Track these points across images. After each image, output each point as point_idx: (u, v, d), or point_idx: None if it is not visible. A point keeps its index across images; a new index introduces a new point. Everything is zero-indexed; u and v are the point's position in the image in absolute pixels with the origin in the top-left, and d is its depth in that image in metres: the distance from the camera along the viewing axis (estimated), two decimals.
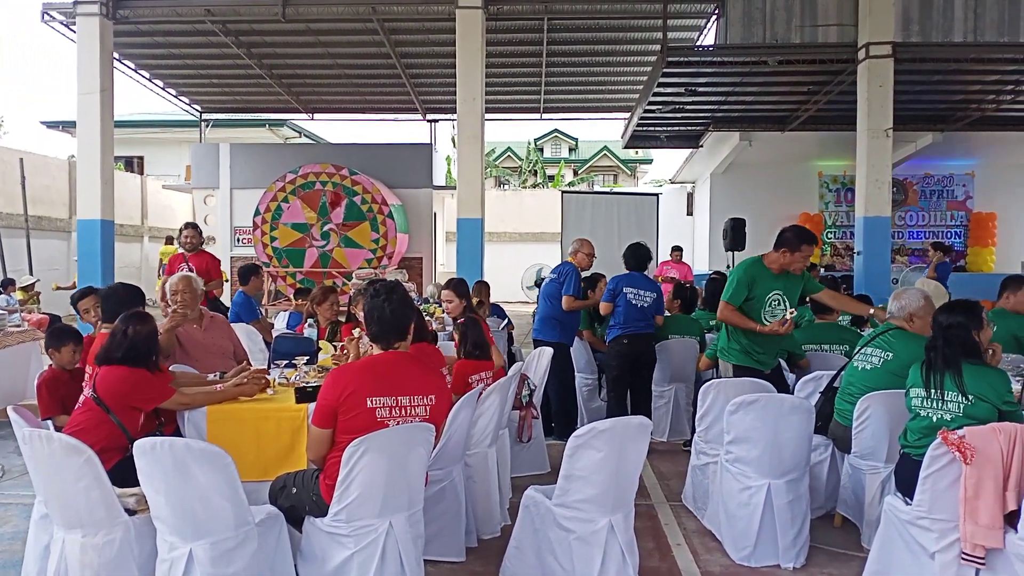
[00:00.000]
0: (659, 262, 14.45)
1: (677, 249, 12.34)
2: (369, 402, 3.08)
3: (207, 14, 12.23)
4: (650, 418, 5.87)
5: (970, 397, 3.44)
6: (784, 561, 3.94)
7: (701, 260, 20.09)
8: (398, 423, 3.10)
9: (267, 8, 11.86)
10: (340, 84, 16.79)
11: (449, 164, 28.15)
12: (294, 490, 3.28)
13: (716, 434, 4.49)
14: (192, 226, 8.35)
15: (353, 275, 13.60)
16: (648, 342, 6.40)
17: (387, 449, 3.01)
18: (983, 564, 3.18)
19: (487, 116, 13.09)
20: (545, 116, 19.52)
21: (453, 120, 14.73)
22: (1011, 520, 3.17)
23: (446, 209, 21.85)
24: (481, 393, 4.16)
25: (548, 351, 5.55)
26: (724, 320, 4.96)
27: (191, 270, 7.46)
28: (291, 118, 22.01)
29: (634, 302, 6.30)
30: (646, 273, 6.58)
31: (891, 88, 11.44)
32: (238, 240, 18.08)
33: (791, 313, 4.80)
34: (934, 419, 3.54)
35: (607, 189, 34.29)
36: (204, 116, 19.56)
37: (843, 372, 4.60)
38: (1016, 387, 3.81)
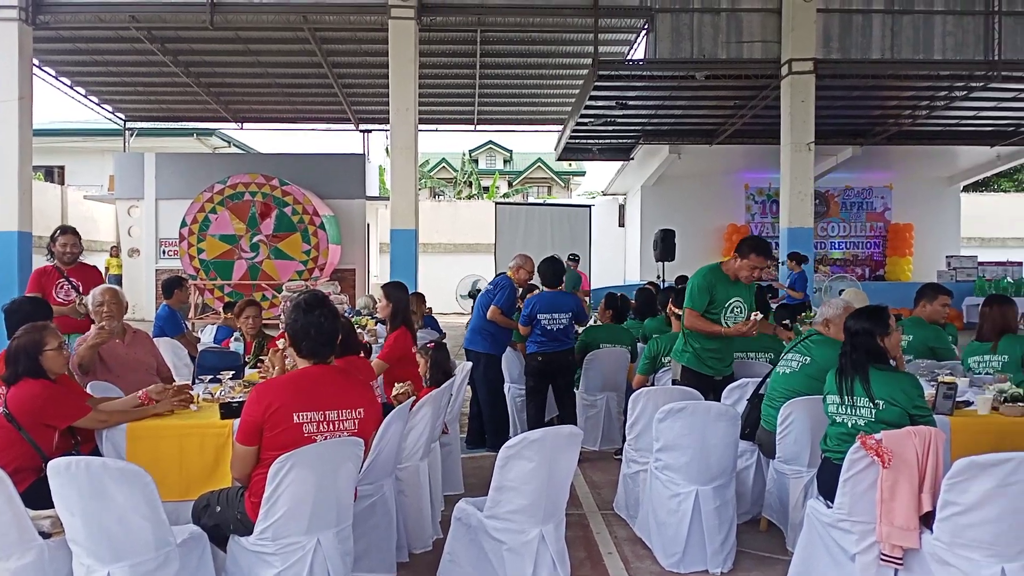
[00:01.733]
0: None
1: (573, 258, 12.48)
2: (296, 417, 3.02)
3: (132, 21, 11.92)
4: (576, 423, 5.92)
5: (879, 402, 3.56)
6: (712, 566, 4.01)
7: (633, 271, 20.40)
8: (326, 438, 3.05)
9: (195, 16, 11.62)
10: (271, 93, 16.55)
11: (382, 175, 27.97)
12: (218, 508, 3.20)
13: (646, 442, 4.55)
14: (71, 231, 6.37)
15: (284, 287, 13.38)
16: (564, 357, 6.39)
17: (314, 465, 2.96)
18: (901, 564, 3.28)
19: (421, 127, 13.06)
20: (479, 127, 19.62)
21: (386, 130, 14.67)
22: (927, 521, 3.28)
23: (380, 220, 21.70)
24: (412, 406, 4.13)
25: (468, 366, 5.56)
26: (692, 328, 4.98)
27: (76, 290, 6.07)
28: (220, 127, 21.59)
29: (548, 327, 6.31)
30: (561, 287, 6.59)
31: (813, 103, 11.83)
32: (164, 252, 17.62)
33: (756, 314, 4.90)
34: (849, 424, 3.65)
35: (541, 201, 34.51)
36: (128, 125, 19.05)
37: (768, 379, 4.72)
38: (929, 393, 3.97)
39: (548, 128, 19.55)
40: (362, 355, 4.61)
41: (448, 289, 21.39)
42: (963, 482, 3.05)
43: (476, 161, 43.34)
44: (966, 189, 22.66)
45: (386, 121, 12.13)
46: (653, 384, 5.81)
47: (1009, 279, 16.39)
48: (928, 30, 12.23)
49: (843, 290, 10.32)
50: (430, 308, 8.92)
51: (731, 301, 4.95)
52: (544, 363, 6.37)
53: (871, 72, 12.45)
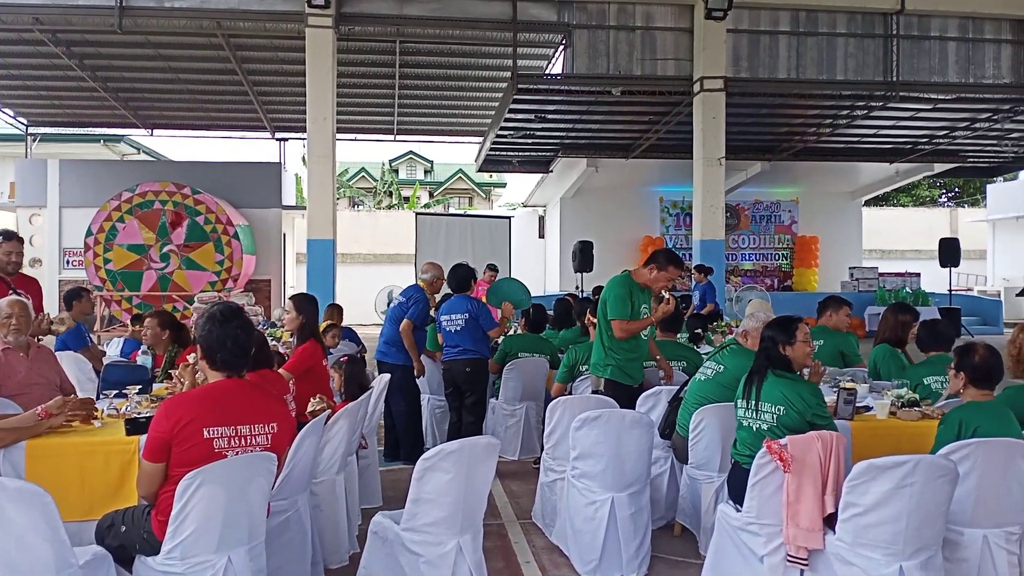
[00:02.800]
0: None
1: (492, 268, 12.59)
2: (206, 432, 2.94)
3: (35, 23, 11.43)
4: (477, 434, 5.91)
5: (780, 408, 3.70)
6: (627, 572, 4.08)
7: (553, 281, 20.59)
8: (237, 453, 2.98)
9: (102, 19, 11.23)
10: (182, 99, 16.11)
11: (299, 184, 27.51)
12: (123, 528, 3.08)
13: (563, 451, 4.59)
14: (15, 237, 5.78)
15: (196, 299, 13.01)
16: (463, 367, 6.22)
17: (225, 481, 2.89)
18: (806, 564, 3.40)
19: (339, 136, 12.94)
20: (399, 138, 19.53)
21: (303, 139, 14.47)
22: (830, 522, 3.42)
23: (296, 230, 21.32)
24: (328, 419, 4.07)
25: (386, 378, 5.51)
26: (628, 333, 4.99)
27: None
28: (129, 134, 20.85)
29: (447, 328, 6.27)
30: (469, 293, 6.57)
31: (723, 119, 12.23)
32: (68, 262, 16.89)
33: (669, 297, 5.01)
34: (754, 428, 3.78)
35: (462, 212, 34.56)
36: (31, 130, 18.22)
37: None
38: (831, 399, 4.14)
39: (469, 139, 19.61)
40: (275, 368, 4.52)
41: (368, 300, 21.15)
42: (863, 484, 3.19)
43: (396, 171, 43.11)
44: (867, 203, 23.75)
45: (303, 129, 11.97)
46: (571, 393, 5.87)
47: (907, 289, 17.24)
48: (831, 52, 12.82)
49: (751, 300, 10.67)
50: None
51: (643, 307, 5.08)
52: (447, 370, 6.34)
53: (778, 91, 12.95)
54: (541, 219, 23.58)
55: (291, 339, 7.19)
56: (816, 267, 20.20)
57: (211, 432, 2.95)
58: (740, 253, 20.27)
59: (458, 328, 6.20)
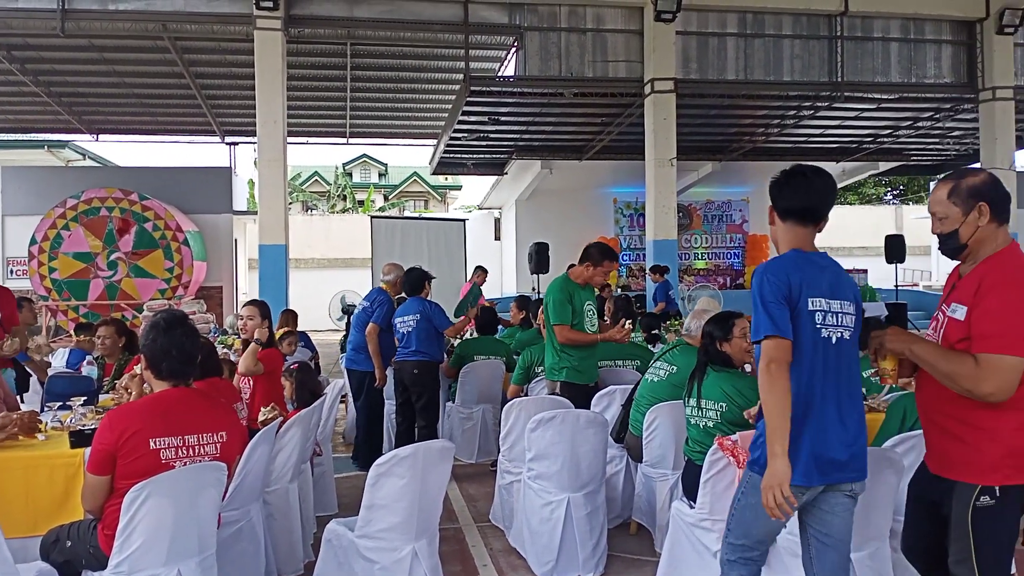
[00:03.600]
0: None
1: (482, 269, 12.62)
2: (152, 443, 2.89)
3: None
4: (433, 438, 5.91)
5: (723, 404, 3.75)
6: (584, 572, 4.10)
7: (509, 283, 20.63)
8: (185, 464, 2.93)
9: (44, 22, 10.93)
10: (128, 104, 15.77)
11: (252, 188, 27.14)
12: (68, 543, 3.01)
13: (519, 452, 4.60)
14: None
15: (145, 307, 12.76)
16: (411, 369, 6.23)
17: (173, 492, 2.84)
18: None
19: (290, 139, 12.79)
20: (352, 141, 19.37)
21: (254, 143, 14.26)
22: None
23: (248, 235, 21.02)
24: (280, 427, 4.02)
25: (340, 384, 5.47)
26: (569, 342, 4.99)
27: None
28: (73, 139, 20.35)
29: (400, 329, 6.29)
30: (423, 296, 6.58)
31: (674, 121, 12.36)
32: (11, 272, 16.43)
33: (626, 323, 5.04)
34: (701, 426, 3.83)
35: (417, 215, 34.41)
36: None
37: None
38: None
39: (422, 142, 19.52)
40: (225, 377, 4.45)
41: (322, 305, 20.95)
42: None
43: (350, 174, 42.79)
44: None
45: (253, 133, 11.79)
46: (527, 394, 5.89)
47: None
48: (778, 53, 13.04)
49: (701, 298, 10.80)
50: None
51: (586, 305, 5.12)
52: (397, 371, 6.33)
53: (727, 92, 13.13)
54: (497, 221, 23.59)
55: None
56: None
57: (157, 443, 2.89)
58: (693, 252, 20.51)
59: (410, 329, 6.22)
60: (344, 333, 9.73)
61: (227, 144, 18.71)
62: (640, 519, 4.67)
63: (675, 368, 4.57)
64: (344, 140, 18.90)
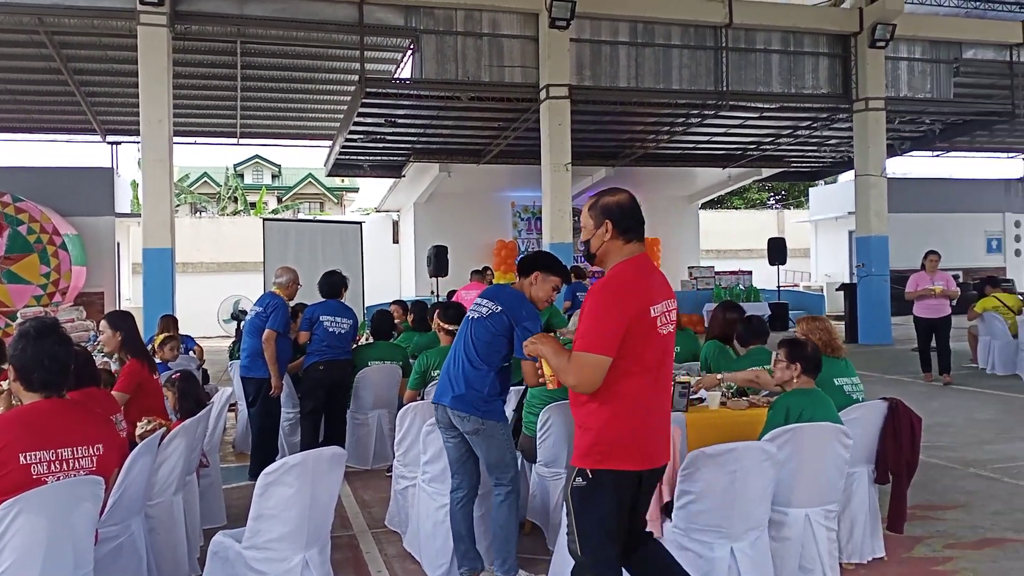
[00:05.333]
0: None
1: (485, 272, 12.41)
2: (22, 458, 2.73)
3: None
4: (344, 447, 5.84)
5: None
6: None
7: (408, 286, 20.51)
8: (59, 479, 2.79)
9: None
10: (1, 100, 14.86)
11: (135, 189, 26.00)
12: None
13: (414, 456, 4.59)
14: None
15: (18, 314, 12.05)
16: (344, 368, 6.40)
17: (45, 509, 2.70)
18: None
19: (177, 139, 12.34)
20: (243, 141, 18.83)
21: (138, 142, 13.67)
22: (667, 510, 3.59)
23: (132, 238, 20.11)
24: (163, 437, 3.87)
25: (227, 393, 5.32)
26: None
27: None
28: None
29: (331, 329, 6.29)
30: (342, 300, 6.57)
31: (569, 126, 12.59)
32: None
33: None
34: None
35: (311, 217, 33.72)
36: None
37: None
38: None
39: (317, 143, 19.18)
40: (102, 386, 4.25)
41: (213, 311, 20.30)
42: (695, 472, 3.38)
43: (242, 176, 41.60)
44: (703, 206, 25.11)
45: (137, 132, 11.32)
46: (423, 399, 5.86)
47: (741, 286, 18.34)
48: (667, 62, 13.47)
49: None
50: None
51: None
52: (325, 372, 6.25)
53: (619, 99, 13.48)
54: (395, 224, 23.41)
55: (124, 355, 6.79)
56: (658, 267, 21.12)
57: (28, 457, 2.74)
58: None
59: (343, 331, 6.36)
60: (234, 340, 9.43)
61: (109, 143, 17.88)
62: (534, 519, 4.72)
63: None
64: (235, 140, 18.36)
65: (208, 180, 40.19)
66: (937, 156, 23.82)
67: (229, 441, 7.51)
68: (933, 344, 9.99)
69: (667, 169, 19.62)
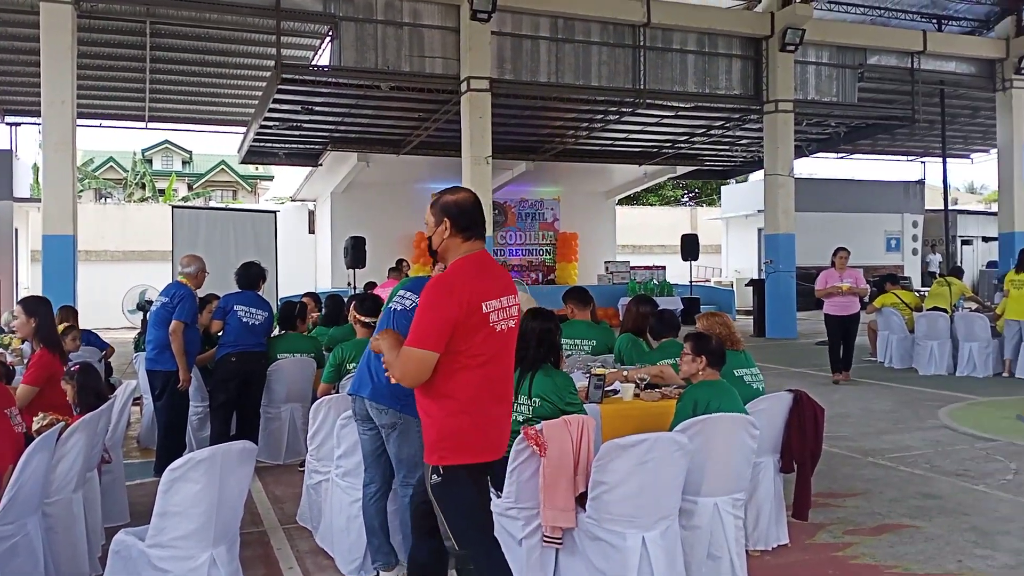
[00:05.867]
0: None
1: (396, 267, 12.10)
2: None
3: None
4: (257, 442, 5.71)
5: (536, 400, 3.86)
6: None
7: (324, 278, 20.17)
8: None
9: None
10: None
11: (36, 173, 24.75)
12: None
13: (328, 451, 4.52)
14: None
15: None
16: (258, 360, 6.28)
17: None
18: (560, 544, 3.59)
19: (81, 121, 11.84)
20: (152, 125, 18.15)
21: (39, 124, 12.98)
22: (581, 501, 3.63)
23: (32, 224, 19.15)
24: (61, 433, 3.71)
25: (131, 386, 5.14)
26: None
27: None
28: None
29: (244, 320, 6.16)
30: (259, 292, 6.43)
31: (489, 119, 12.59)
32: None
33: None
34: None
35: (223, 205, 32.76)
36: None
37: None
38: (582, 384, 4.39)
39: (231, 129, 18.65)
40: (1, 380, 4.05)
41: (117, 301, 19.50)
42: (609, 462, 3.42)
43: (150, 161, 40.12)
44: (620, 202, 25.55)
45: (38, 114, 10.79)
46: (338, 392, 5.78)
47: (655, 281, 18.71)
48: (587, 59, 13.61)
49: None
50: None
51: None
52: (239, 363, 6.11)
53: (539, 93, 13.55)
54: (311, 214, 22.97)
55: (21, 346, 6.49)
56: (576, 261, 21.38)
57: None
58: (508, 249, 20.98)
59: (258, 322, 6.24)
60: (140, 331, 9.09)
61: (7, 124, 17.03)
62: None
63: None
64: (143, 124, 17.68)
65: (114, 165, 38.62)
66: (841, 158, 24.88)
67: (133, 436, 7.26)
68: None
69: (586, 165, 19.87)
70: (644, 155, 19.58)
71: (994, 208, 23.43)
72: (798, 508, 4.49)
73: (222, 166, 41.17)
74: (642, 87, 13.90)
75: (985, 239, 25.00)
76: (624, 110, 14.89)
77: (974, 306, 11.20)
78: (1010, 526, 4.53)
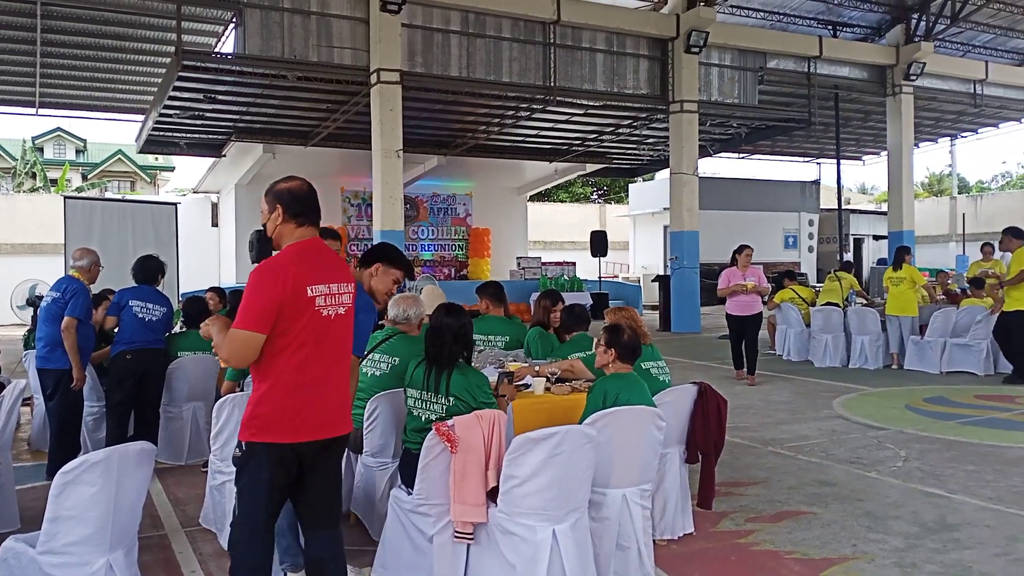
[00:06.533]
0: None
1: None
2: None
3: None
4: (156, 442, 5.51)
5: (451, 398, 3.85)
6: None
7: (228, 272, 19.61)
8: None
9: None
10: None
11: None
12: None
13: (232, 451, 4.39)
14: None
15: None
16: (156, 357, 6.07)
17: None
18: (472, 539, 3.59)
19: None
20: (42, 112, 17.24)
21: None
22: (493, 496, 3.64)
23: None
24: None
25: (19, 385, 4.87)
26: None
27: None
28: None
29: (140, 315, 5.93)
30: (158, 287, 6.21)
31: (400, 112, 12.47)
32: None
33: None
34: (423, 419, 3.89)
35: (120, 196, 31.41)
36: None
37: None
38: (493, 379, 4.40)
39: (128, 117, 17.87)
40: None
41: (5, 296, 18.46)
42: (520, 456, 3.44)
43: (41, 150, 38.12)
44: (532, 199, 25.73)
45: None
46: (243, 390, 5.63)
47: (565, 277, 18.94)
48: (498, 54, 13.63)
49: (422, 288, 11.02)
50: None
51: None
52: (135, 361, 5.87)
53: (451, 88, 13.50)
54: (214, 206, 22.28)
55: None
56: (489, 257, 21.44)
57: None
58: (420, 244, 20.86)
59: (155, 318, 6.04)
60: (30, 328, 8.62)
61: None
62: (357, 510, 4.65)
63: (397, 359, 4.59)
64: (33, 110, 16.76)
65: (2, 153, 36.51)
66: (743, 158, 25.75)
67: (24, 438, 6.91)
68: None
69: (497, 161, 19.93)
70: (555, 152, 19.79)
71: (884, 208, 24.73)
72: (703, 497, 4.62)
73: (119, 156, 39.47)
74: (552, 84, 14.02)
75: (876, 237, 26.33)
76: (535, 107, 15.00)
77: (863, 300, 11.82)
78: (900, 511, 4.77)
